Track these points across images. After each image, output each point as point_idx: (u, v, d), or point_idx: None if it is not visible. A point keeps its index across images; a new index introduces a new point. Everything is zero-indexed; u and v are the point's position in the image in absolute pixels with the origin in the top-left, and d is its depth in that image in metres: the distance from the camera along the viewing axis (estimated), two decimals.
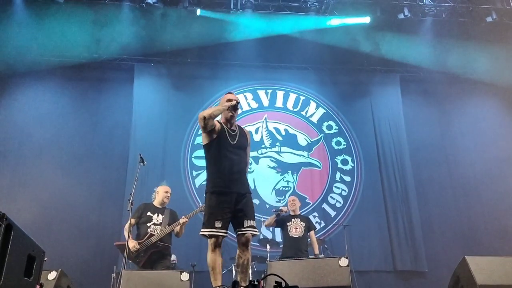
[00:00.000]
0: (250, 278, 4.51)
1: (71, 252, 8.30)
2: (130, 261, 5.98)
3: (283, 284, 3.01)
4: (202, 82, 10.58)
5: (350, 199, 9.91)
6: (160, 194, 6.41)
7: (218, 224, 4.17)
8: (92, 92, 10.21)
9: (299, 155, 10.17)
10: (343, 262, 4.35)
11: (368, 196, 9.94)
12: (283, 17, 9.92)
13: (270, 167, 9.96)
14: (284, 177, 9.91)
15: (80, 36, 9.43)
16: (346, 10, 9.89)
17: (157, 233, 6.04)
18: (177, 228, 6.13)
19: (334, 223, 9.42)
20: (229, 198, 4.26)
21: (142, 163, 6.03)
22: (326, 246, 8.13)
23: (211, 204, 4.25)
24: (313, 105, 10.77)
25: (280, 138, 10.21)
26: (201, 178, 9.65)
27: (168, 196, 6.44)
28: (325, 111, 10.74)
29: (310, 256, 7.02)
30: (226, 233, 4.27)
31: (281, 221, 7.34)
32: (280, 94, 10.79)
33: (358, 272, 8.42)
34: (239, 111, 4.75)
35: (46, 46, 9.48)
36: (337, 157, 10.29)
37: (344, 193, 9.97)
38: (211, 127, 4.33)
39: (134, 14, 9.47)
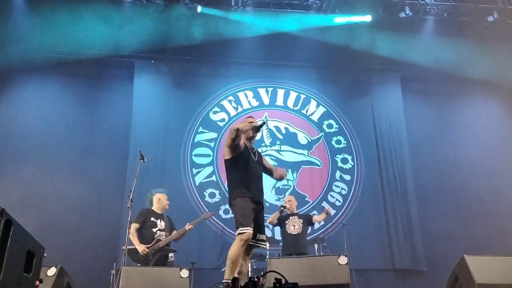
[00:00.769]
0: (250, 275, 4.62)
1: (71, 248, 8.32)
2: (139, 264, 6.28)
3: (283, 281, 3.02)
4: (202, 80, 10.58)
5: (349, 197, 9.91)
6: (162, 201, 6.76)
7: (252, 224, 4.48)
8: (92, 89, 10.18)
9: (299, 154, 10.17)
10: (342, 260, 4.36)
11: (367, 195, 9.95)
12: (284, 15, 9.92)
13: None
14: None
15: (80, 32, 9.40)
16: (347, 8, 9.90)
17: (163, 238, 6.45)
18: (180, 235, 6.62)
19: (333, 221, 9.42)
20: (256, 206, 4.64)
21: (142, 160, 6.15)
22: (325, 244, 8.12)
23: (246, 206, 4.56)
24: (313, 103, 10.76)
25: (280, 136, 10.20)
26: (201, 176, 9.66)
27: (169, 204, 6.85)
28: (325, 110, 10.73)
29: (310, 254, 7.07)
30: None
31: (280, 220, 7.47)
32: (280, 93, 10.79)
33: (357, 270, 8.43)
34: (258, 136, 5.26)
35: (46, 42, 9.45)
36: (337, 156, 10.29)
37: (343, 192, 9.97)
38: (239, 141, 4.74)
39: (135, 11, 9.46)
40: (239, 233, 4.37)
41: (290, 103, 10.70)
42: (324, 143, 10.34)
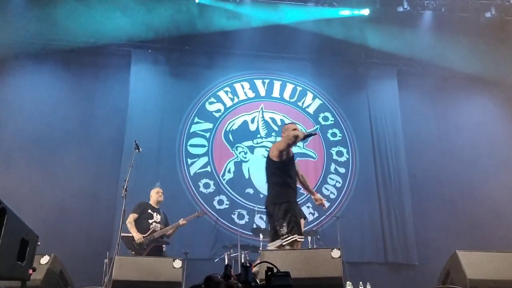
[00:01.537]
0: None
1: (64, 237, 8.33)
2: (133, 252, 6.52)
3: (275, 270, 3.04)
4: (199, 70, 10.54)
5: (344, 190, 9.94)
6: (153, 194, 7.09)
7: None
8: (88, 77, 10.15)
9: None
10: (335, 253, 4.36)
11: (362, 188, 9.98)
12: (282, 7, 9.88)
13: (265, 156, 9.93)
14: None
15: (78, 20, 9.32)
16: (346, 1, 9.86)
17: (158, 230, 6.77)
18: (173, 229, 6.95)
19: (327, 214, 9.45)
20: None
21: (137, 150, 6.21)
22: (318, 237, 8.15)
23: (297, 214, 4.91)
24: (309, 96, 10.76)
25: (276, 128, 10.20)
26: (196, 166, 9.67)
27: (161, 195, 7.10)
28: (321, 102, 10.73)
29: None
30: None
31: None
32: (277, 84, 10.77)
33: (350, 263, 8.45)
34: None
35: (43, 29, 9.39)
36: (332, 149, 10.30)
37: (338, 185, 10.00)
38: (291, 147, 5.14)
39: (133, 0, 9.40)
40: (296, 240, 4.71)
41: (287, 95, 10.69)
42: (319, 136, 10.35)
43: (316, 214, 9.60)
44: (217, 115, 10.23)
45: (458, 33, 10.11)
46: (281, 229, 4.78)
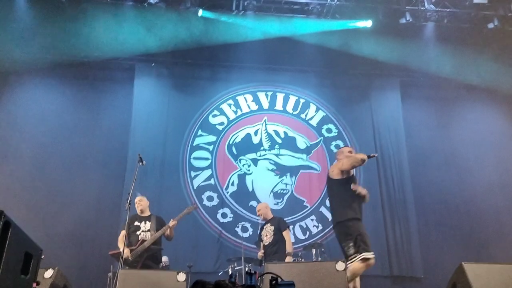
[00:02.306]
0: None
1: (68, 250, 8.30)
2: (127, 267, 6.13)
3: (279, 280, 3.03)
4: (202, 83, 10.58)
5: None
6: (136, 204, 6.66)
7: None
8: (92, 91, 10.20)
9: (298, 158, 10.16)
10: (340, 266, 4.33)
11: None
12: (285, 19, 9.92)
13: (268, 169, 9.96)
14: (283, 179, 9.89)
15: (82, 35, 9.40)
16: (348, 13, 9.89)
17: (148, 238, 6.36)
18: (168, 231, 6.47)
19: (331, 226, 9.37)
20: None
21: (141, 163, 6.13)
22: (323, 249, 8.09)
23: (366, 232, 5.26)
24: (313, 108, 10.77)
25: (279, 140, 10.20)
26: (199, 179, 9.66)
27: (140, 203, 6.70)
28: (324, 114, 10.73)
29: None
30: None
31: (259, 233, 7.14)
32: (280, 97, 10.79)
33: None
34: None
35: (47, 44, 9.46)
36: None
37: None
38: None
39: (136, 14, 9.46)
40: (366, 258, 4.93)
41: (290, 107, 10.70)
42: (323, 148, 10.34)
43: (321, 227, 9.55)
44: (220, 128, 10.24)
45: (461, 44, 10.14)
46: (348, 250, 5.03)
